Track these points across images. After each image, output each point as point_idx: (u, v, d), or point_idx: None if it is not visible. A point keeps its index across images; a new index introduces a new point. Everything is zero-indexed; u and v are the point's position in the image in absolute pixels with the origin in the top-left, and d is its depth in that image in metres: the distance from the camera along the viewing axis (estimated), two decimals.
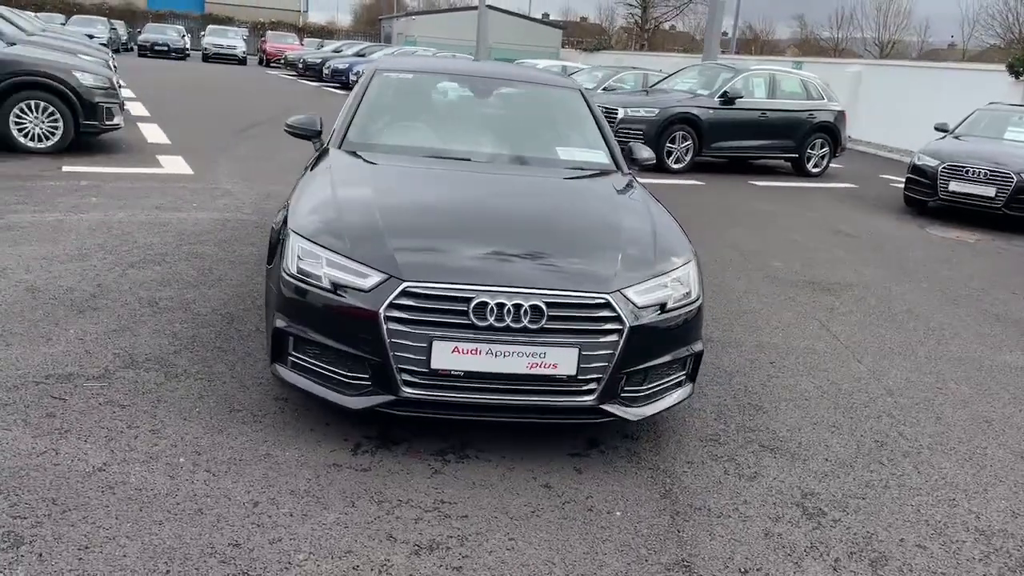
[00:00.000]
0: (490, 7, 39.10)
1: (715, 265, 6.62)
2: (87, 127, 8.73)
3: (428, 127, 4.48)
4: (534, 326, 2.93)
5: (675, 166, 12.12)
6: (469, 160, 4.09)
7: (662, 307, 3.17)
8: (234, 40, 33.03)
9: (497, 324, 2.90)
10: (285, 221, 3.32)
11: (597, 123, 4.59)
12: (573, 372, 2.98)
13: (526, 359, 2.93)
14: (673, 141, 12.07)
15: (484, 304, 2.90)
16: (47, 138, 8.55)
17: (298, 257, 3.10)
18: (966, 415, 4.04)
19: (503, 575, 2.45)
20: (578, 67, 17.58)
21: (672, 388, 3.35)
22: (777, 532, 2.84)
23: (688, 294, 3.31)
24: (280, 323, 3.11)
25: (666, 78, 14.15)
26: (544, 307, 2.93)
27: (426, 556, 2.50)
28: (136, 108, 13.31)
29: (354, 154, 4.04)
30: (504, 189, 3.83)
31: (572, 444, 3.31)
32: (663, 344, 3.20)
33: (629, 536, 2.73)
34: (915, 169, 10.44)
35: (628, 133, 11.97)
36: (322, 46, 32.97)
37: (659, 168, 11.96)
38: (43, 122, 8.51)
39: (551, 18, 69.17)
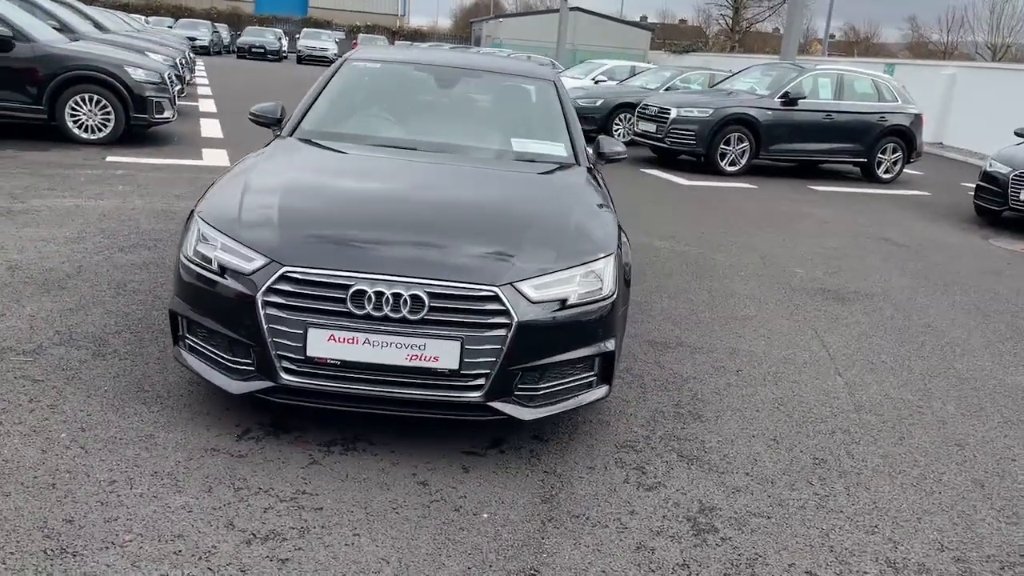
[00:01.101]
0: (577, 9, 39.00)
1: (726, 269, 6.32)
2: (137, 120, 9.13)
3: (384, 116, 4.44)
4: (414, 317, 2.83)
5: (729, 169, 11.69)
6: (415, 149, 4.02)
7: (563, 303, 3.01)
8: (326, 43, 34.12)
9: (375, 313, 2.82)
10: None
11: (564, 116, 4.43)
12: (456, 366, 2.86)
13: (405, 351, 2.84)
14: (728, 143, 11.65)
15: (362, 292, 2.82)
16: (99, 130, 8.99)
17: (197, 240, 3.10)
18: (937, 437, 3.69)
19: (329, 570, 2.37)
20: (646, 67, 17.23)
21: (579, 389, 3.18)
22: (651, 547, 2.64)
23: (599, 291, 3.14)
24: (174, 305, 3.12)
25: (728, 78, 13.68)
26: (425, 297, 2.83)
27: (256, 546, 2.44)
28: (206, 104, 13.87)
29: (305, 142, 4.04)
30: (432, 179, 3.74)
31: (473, 442, 3.19)
32: (561, 342, 3.04)
33: (484, 540, 2.59)
34: (986, 176, 9.72)
35: (680, 134, 11.65)
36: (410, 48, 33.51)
37: (711, 170, 11.59)
38: (96, 114, 8.95)
39: (648, 20, 68.35)
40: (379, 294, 2.82)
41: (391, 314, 2.82)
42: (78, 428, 2.99)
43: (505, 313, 2.88)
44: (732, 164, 11.74)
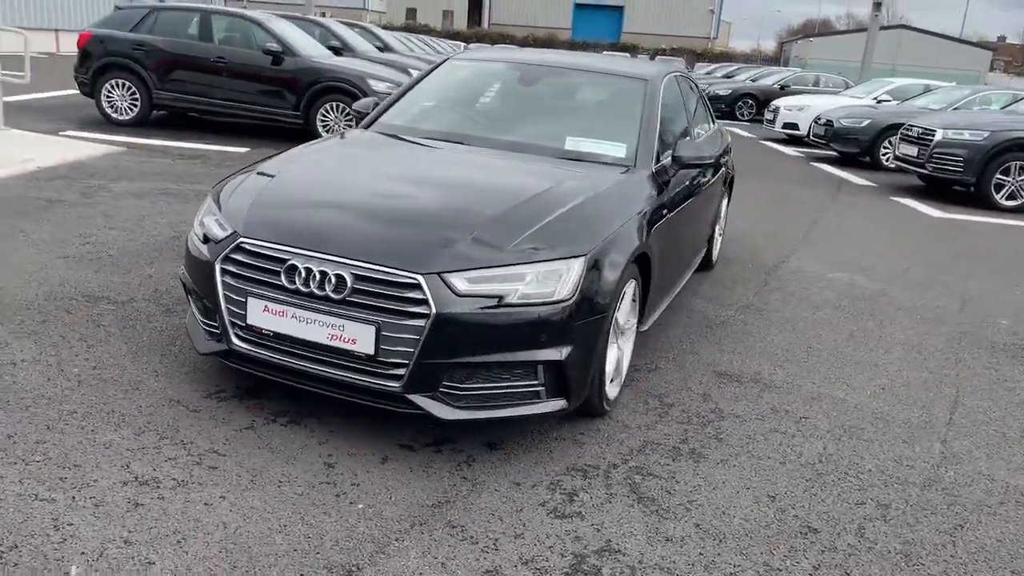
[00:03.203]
0: (902, 27, 35.41)
1: (899, 311, 5.39)
2: None
3: (455, 112, 4.45)
4: (336, 296, 2.83)
5: (1007, 203, 9.90)
6: (461, 144, 3.99)
7: (499, 300, 2.81)
8: None
9: (303, 289, 2.87)
10: None
11: (642, 117, 4.10)
12: (372, 351, 2.81)
13: (327, 329, 2.85)
14: (1007, 172, 9.86)
15: (295, 268, 2.89)
16: None
17: (204, 213, 3.39)
18: (1008, 541, 2.81)
19: (168, 521, 2.45)
20: (942, 86, 15.12)
21: (520, 398, 2.94)
22: (504, 574, 2.36)
23: (551, 293, 2.87)
24: (181, 272, 3.43)
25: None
26: (348, 278, 2.82)
27: (128, 488, 2.60)
28: None
29: (374, 134, 4.21)
30: (434, 170, 3.68)
31: (416, 437, 3.09)
32: (492, 342, 2.83)
33: (335, 528, 2.50)
34: None
35: (944, 159, 10.12)
36: (711, 72, 32.91)
37: (984, 204, 9.88)
38: (341, 121, 10.07)
39: (1007, 40, 60.02)
40: (308, 270, 2.87)
41: (316, 291, 2.85)
42: (92, 367, 3.42)
43: (425, 303, 2.76)
44: (1011, 198, 9.91)
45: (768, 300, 5.39)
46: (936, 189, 11.00)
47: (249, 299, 2.96)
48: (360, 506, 2.64)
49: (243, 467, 2.79)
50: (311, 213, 3.16)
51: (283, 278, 2.90)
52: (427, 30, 47.07)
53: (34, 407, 3.05)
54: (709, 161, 4.06)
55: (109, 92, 10.20)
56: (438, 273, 2.80)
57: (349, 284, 2.82)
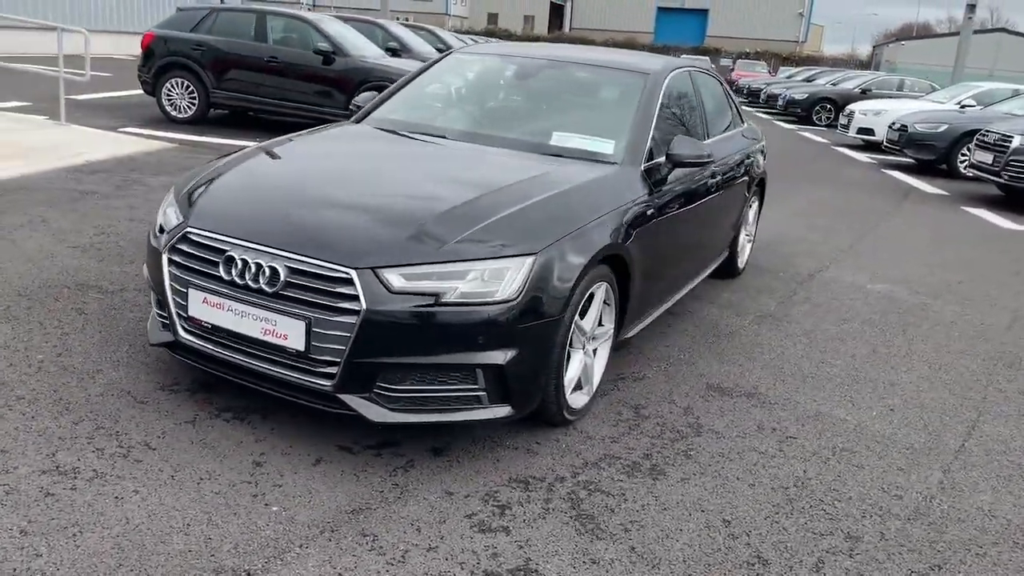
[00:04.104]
0: (1000, 30, 33.49)
1: (936, 325, 4.98)
2: None
3: (444, 106, 4.31)
4: (269, 289, 2.74)
5: None
6: (443, 137, 3.86)
7: (436, 298, 2.66)
8: None
9: (239, 281, 2.79)
10: None
11: (636, 113, 3.88)
12: (302, 348, 2.71)
13: (260, 323, 2.77)
14: None
15: (232, 259, 2.81)
16: None
17: (166, 204, 3.34)
18: None
19: (73, 512, 2.40)
20: (1001, 87, 14.18)
21: (459, 402, 2.78)
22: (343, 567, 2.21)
23: (492, 293, 2.71)
24: (145, 265, 3.41)
25: None
26: (282, 271, 2.73)
27: (46, 477, 2.56)
28: None
29: (356, 126, 4.14)
30: (396, 164, 3.53)
31: (359, 439, 2.97)
32: (427, 342, 2.68)
33: (238, 530, 2.40)
34: None
35: (1022, 167, 9.41)
36: (791, 76, 31.89)
37: None
38: None
39: None
40: (244, 262, 2.79)
41: (251, 283, 2.77)
42: (57, 354, 3.44)
43: (356, 299, 2.64)
44: None
45: (790, 311, 5.06)
46: (1016, 200, 10.26)
47: (190, 290, 2.90)
48: (274, 508, 2.53)
49: (168, 462, 2.72)
50: (257, 204, 3.07)
51: (221, 269, 2.83)
52: (508, 35, 47.31)
53: None
54: (707, 160, 3.78)
55: (169, 91, 10.51)
56: (372, 268, 2.67)
57: (282, 277, 2.73)
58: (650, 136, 3.79)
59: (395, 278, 2.67)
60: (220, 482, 2.64)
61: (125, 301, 4.10)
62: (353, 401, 2.73)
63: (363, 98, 4.56)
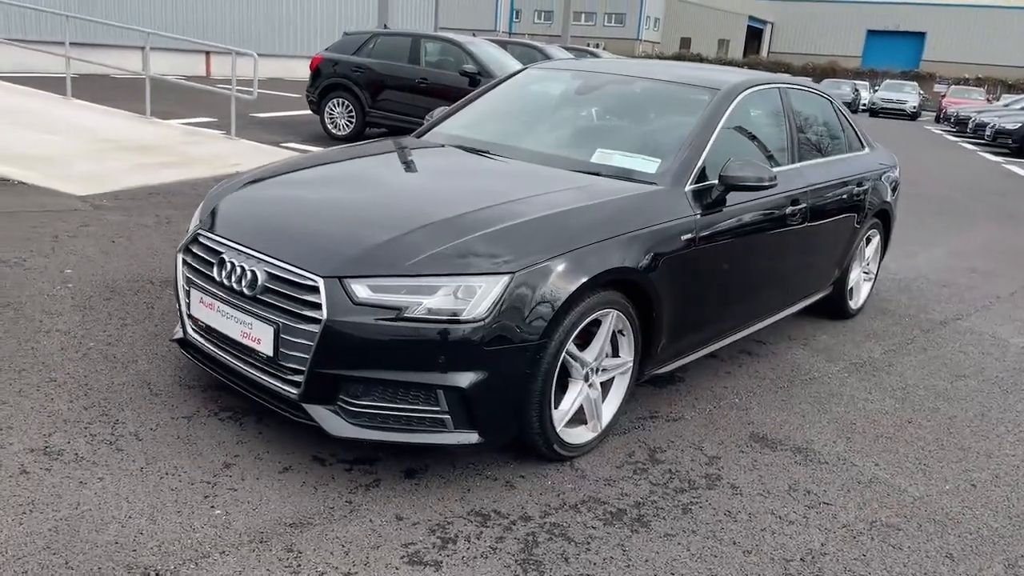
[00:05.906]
0: None
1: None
2: None
3: (499, 121, 4.18)
4: (249, 293, 2.77)
5: None
6: (486, 153, 3.74)
7: (398, 312, 2.56)
8: (906, 95, 31.54)
9: (226, 283, 2.85)
10: None
11: (693, 131, 3.57)
12: (271, 353, 2.70)
13: (240, 326, 2.80)
14: None
15: (224, 261, 2.87)
16: None
17: (199, 209, 3.48)
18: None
19: (38, 491, 2.51)
20: None
21: (421, 423, 2.65)
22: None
23: (459, 312, 2.56)
24: None
25: None
26: (261, 275, 2.74)
27: (32, 456, 2.70)
28: None
29: (409, 139, 4.14)
30: (427, 179, 3.49)
31: (337, 452, 2.91)
32: (383, 358, 2.58)
33: (173, 531, 2.40)
34: None
35: None
36: (1010, 104, 28.72)
37: None
38: None
39: None
40: (232, 265, 2.83)
41: (235, 286, 2.81)
42: (106, 343, 3.67)
43: (319, 308, 2.59)
44: None
45: (897, 361, 4.44)
46: None
47: (192, 290, 3.00)
48: (217, 512, 2.52)
49: (145, 454, 2.80)
50: (261, 211, 3.12)
51: (215, 270, 2.89)
52: (699, 59, 46.36)
53: (28, 372, 3.31)
54: (768, 184, 3.39)
55: (331, 109, 11.19)
56: (339, 277, 2.61)
57: (260, 281, 2.74)
58: (703, 156, 3.47)
59: (361, 289, 2.59)
60: (182, 479, 2.68)
61: None
62: (315, 411, 2.68)
63: (436, 112, 4.55)
